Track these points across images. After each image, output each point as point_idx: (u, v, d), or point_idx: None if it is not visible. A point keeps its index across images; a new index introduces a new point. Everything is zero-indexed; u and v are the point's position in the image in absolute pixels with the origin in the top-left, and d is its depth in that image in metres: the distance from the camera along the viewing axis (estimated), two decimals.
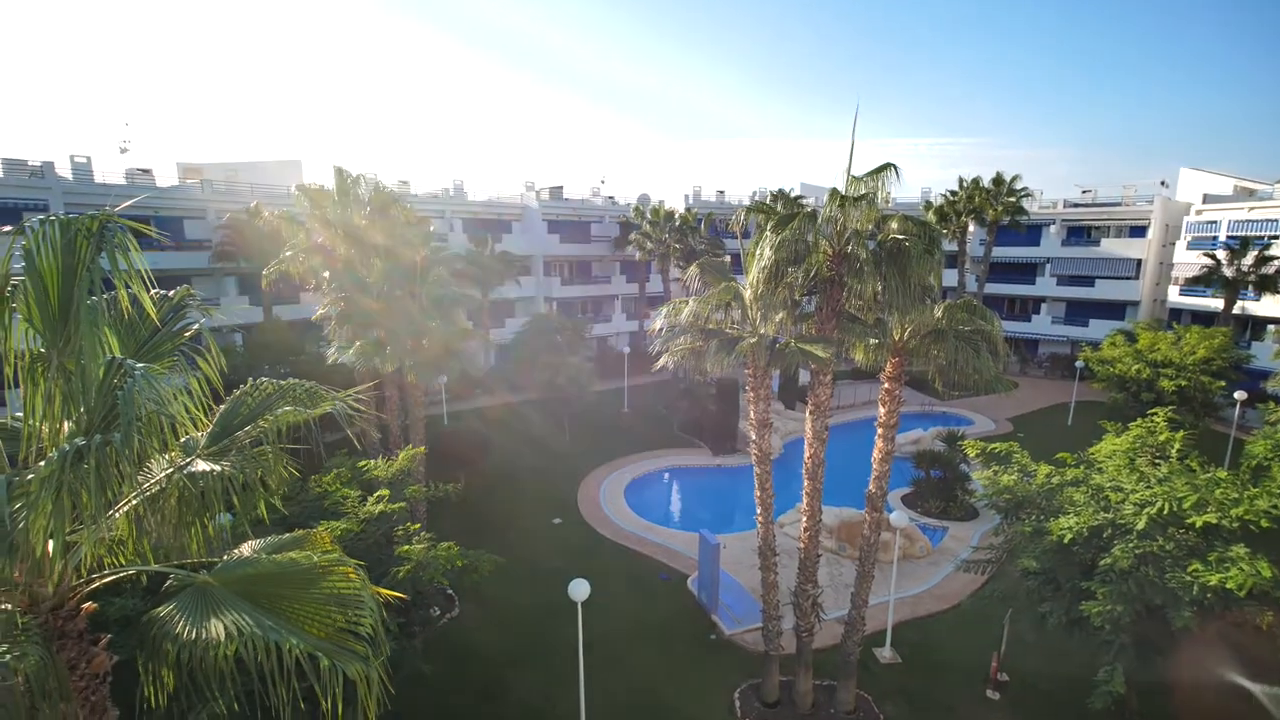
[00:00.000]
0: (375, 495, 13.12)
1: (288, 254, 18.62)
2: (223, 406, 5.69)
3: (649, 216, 39.16)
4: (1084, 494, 11.72)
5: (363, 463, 14.51)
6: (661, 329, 11.96)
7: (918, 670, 14.72)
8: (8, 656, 3.44)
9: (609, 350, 42.37)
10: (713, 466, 27.68)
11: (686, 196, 49.10)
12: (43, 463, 3.50)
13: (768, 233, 10.85)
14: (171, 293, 5.73)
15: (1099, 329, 39.84)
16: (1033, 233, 44.80)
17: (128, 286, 4.57)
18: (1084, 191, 47.60)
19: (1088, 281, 43.63)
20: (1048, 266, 45.37)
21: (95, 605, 5.00)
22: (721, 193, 51.12)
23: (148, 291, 4.86)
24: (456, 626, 16.06)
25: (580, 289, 44.77)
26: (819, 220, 10.98)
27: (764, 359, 11.21)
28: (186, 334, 5.59)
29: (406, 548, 12.07)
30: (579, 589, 11.14)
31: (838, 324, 11.59)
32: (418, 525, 13.78)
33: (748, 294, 11.35)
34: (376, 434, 18.85)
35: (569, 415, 29.94)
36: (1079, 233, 46.04)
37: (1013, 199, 39.13)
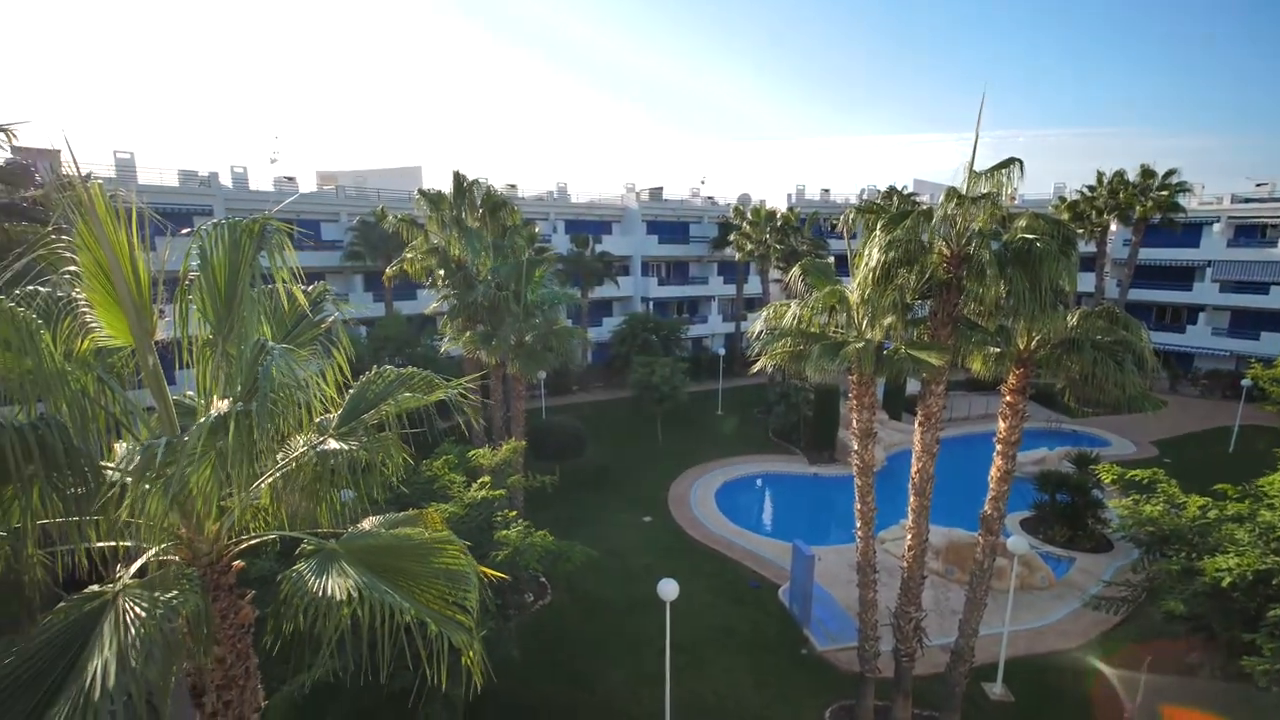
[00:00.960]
0: (479, 482, 13.84)
1: (408, 254, 20.08)
2: (351, 391, 6.20)
3: (749, 216, 38.52)
4: (1249, 532, 10.19)
5: (470, 451, 15.36)
6: (761, 331, 11.70)
7: (1033, 712, 13.42)
8: (175, 600, 3.93)
9: (704, 351, 42.14)
10: (808, 475, 26.77)
11: (789, 196, 47.87)
12: (194, 428, 3.95)
13: (877, 232, 10.31)
14: (311, 288, 6.32)
15: (1273, 343, 34.53)
16: (1190, 232, 39.44)
17: (277, 280, 5.10)
18: (1258, 185, 41.30)
19: (1260, 289, 37.81)
20: (1208, 270, 39.82)
21: (243, 564, 5.61)
22: (826, 191, 49.37)
23: (296, 285, 5.40)
24: (548, 614, 16.59)
25: (677, 289, 44.87)
26: (935, 219, 10.28)
27: (870, 365, 10.66)
28: (324, 325, 6.14)
29: (505, 533, 12.62)
30: (668, 588, 11.14)
31: (954, 330, 10.80)
32: (515, 513, 14.40)
33: (854, 296, 10.84)
34: (482, 423, 19.90)
35: (662, 415, 30.09)
36: (1251, 231, 40.05)
37: (1165, 193, 34.78)
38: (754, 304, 42.30)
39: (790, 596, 17.13)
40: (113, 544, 4.85)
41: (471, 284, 18.81)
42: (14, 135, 11.25)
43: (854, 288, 10.84)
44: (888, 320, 10.89)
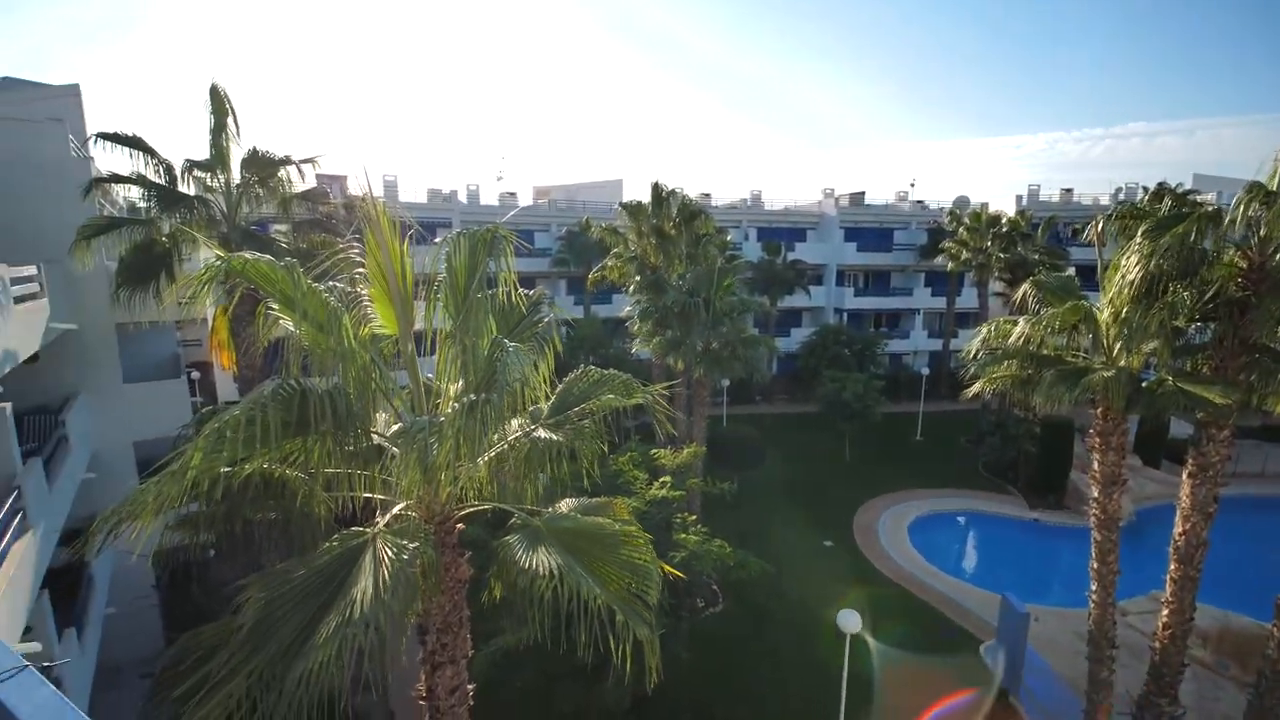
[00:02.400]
0: (660, 481, 14.32)
1: (608, 260, 21.53)
2: (560, 385, 6.82)
3: (966, 222, 34.57)
4: None
5: (653, 450, 15.98)
6: (978, 351, 10.43)
7: None
8: (415, 549, 4.67)
9: (904, 369, 38.76)
10: (1026, 520, 23.19)
11: (1019, 198, 42.00)
12: (449, 409, 4.65)
13: (1138, 239, 8.59)
14: (532, 292, 7.08)
15: None
16: None
17: (500, 283, 5.81)
18: None
19: None
20: None
21: (464, 526, 6.48)
22: (1068, 192, 42.48)
23: (517, 288, 6.11)
24: (718, 621, 16.55)
25: (875, 300, 41.91)
26: (1226, 222, 8.28)
27: (1122, 399, 8.91)
28: (540, 324, 6.83)
29: (683, 535, 12.87)
30: (849, 620, 10.44)
31: (1248, 362, 8.59)
32: (694, 516, 14.61)
33: (1104, 315, 9.16)
34: (670, 430, 20.56)
35: (852, 434, 28.30)
36: None
37: None
38: (968, 320, 37.87)
39: (993, 655, 14.98)
40: (370, 495, 5.93)
41: (663, 290, 19.55)
42: (317, 164, 14.30)
43: (1104, 305, 9.15)
44: (1149, 345, 9.02)
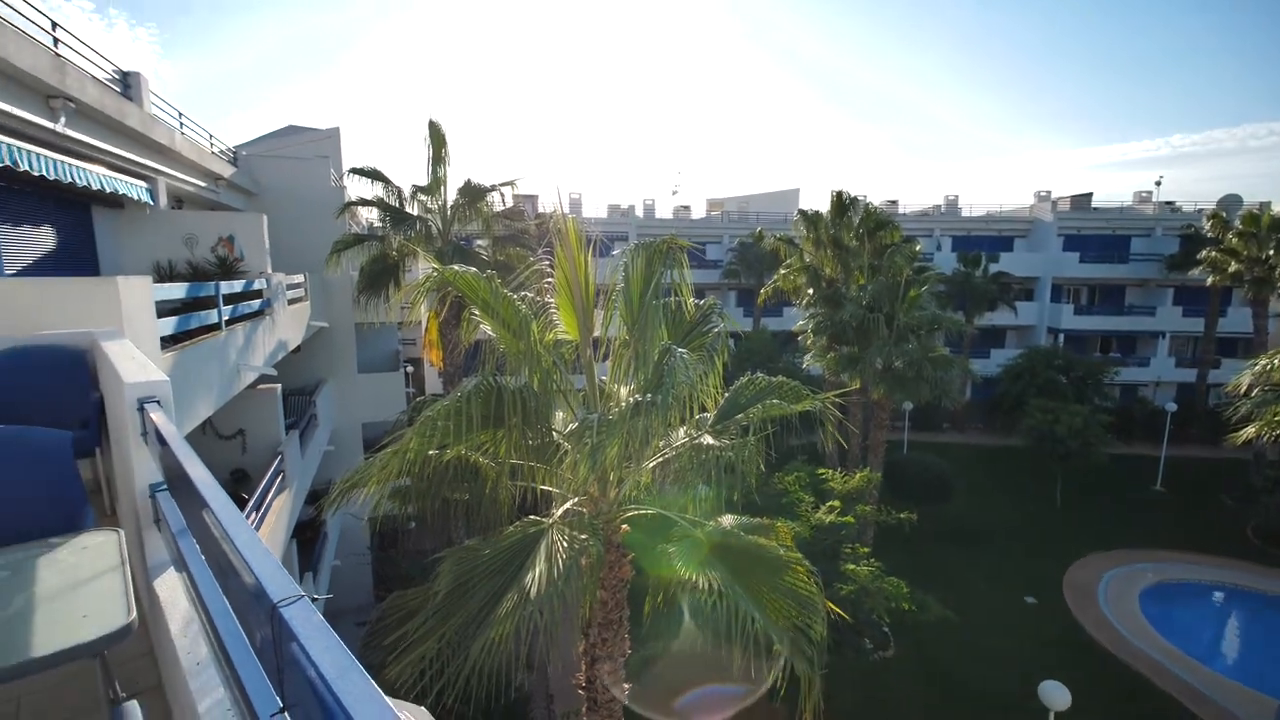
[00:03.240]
0: (827, 505, 13.52)
1: (782, 271, 20.96)
2: (726, 393, 6.73)
3: (1238, 225, 27.93)
4: None
5: (821, 470, 15.16)
6: (1252, 386, 8.32)
7: None
8: (586, 542, 4.88)
9: (1139, 403, 32.39)
10: None
11: None
12: (617, 409, 4.80)
13: None
14: (703, 301, 7.09)
15: None
16: None
17: (675, 293, 5.87)
18: None
19: None
20: None
21: (628, 528, 6.64)
22: None
23: (690, 298, 6.15)
24: (887, 669, 15.12)
25: (1102, 320, 35.58)
26: None
27: None
28: (709, 335, 6.81)
29: (852, 567, 12.00)
30: (1055, 695, 8.90)
31: None
32: (865, 549, 13.55)
33: None
34: (836, 446, 19.40)
35: (1064, 475, 24.29)
36: None
37: None
38: (1235, 346, 30.67)
39: None
40: (547, 488, 6.34)
41: (840, 303, 18.51)
42: (515, 186, 15.81)
43: None
44: None
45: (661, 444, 6.54)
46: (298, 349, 13.51)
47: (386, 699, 0.91)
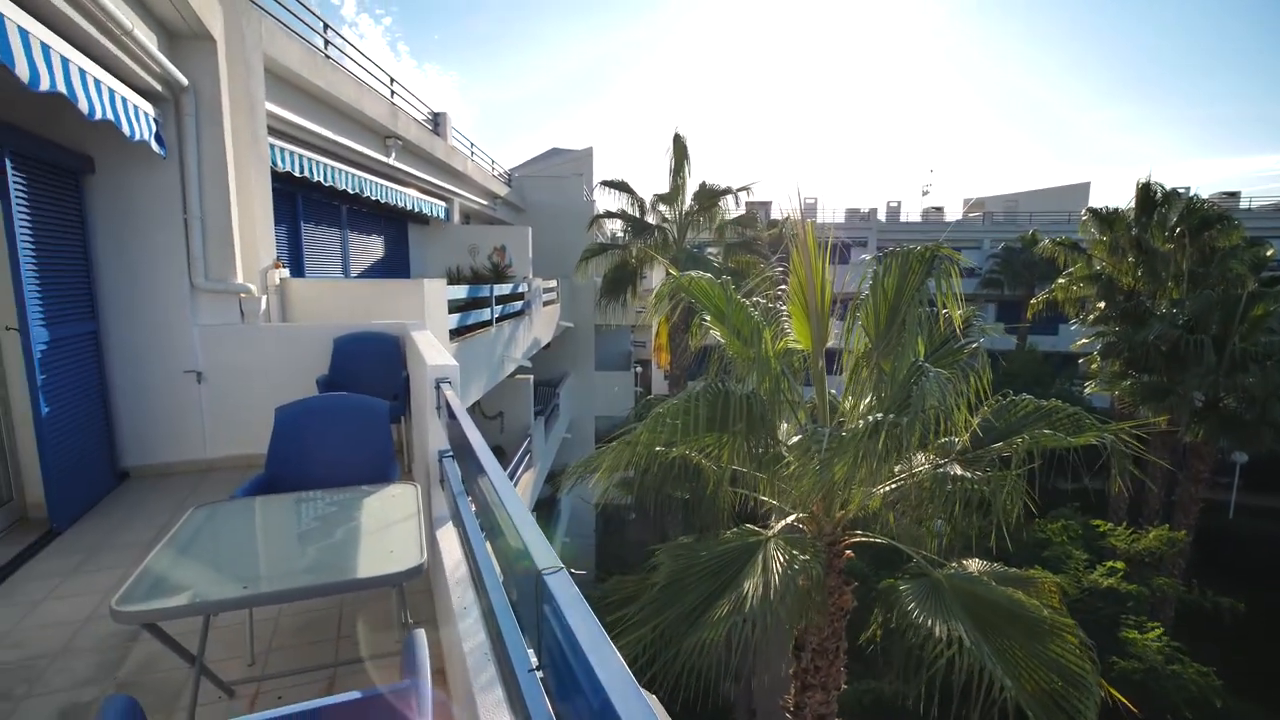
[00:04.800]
0: (1106, 565, 11.02)
1: (1060, 280, 17.65)
2: (977, 418, 5.83)
3: None
4: None
5: (1097, 522, 12.42)
6: None
7: None
8: (806, 561, 4.61)
9: None
10: None
11: None
12: (851, 427, 4.45)
13: None
14: (961, 312, 6.23)
15: None
16: None
17: (939, 304, 5.25)
18: None
19: None
20: None
21: (852, 554, 6.14)
22: None
23: (956, 311, 5.42)
24: None
25: None
26: None
27: None
28: (965, 352, 5.96)
29: (1135, 634, 9.59)
30: None
31: None
32: (1159, 629, 10.71)
33: None
34: (1121, 491, 15.71)
35: None
36: None
37: None
38: None
39: None
40: (766, 499, 6.15)
41: (1144, 320, 14.93)
42: (750, 191, 15.79)
43: None
44: None
45: (898, 468, 5.93)
46: (547, 345, 15.29)
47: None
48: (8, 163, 3.80)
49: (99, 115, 3.73)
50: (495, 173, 15.63)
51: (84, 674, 2.62)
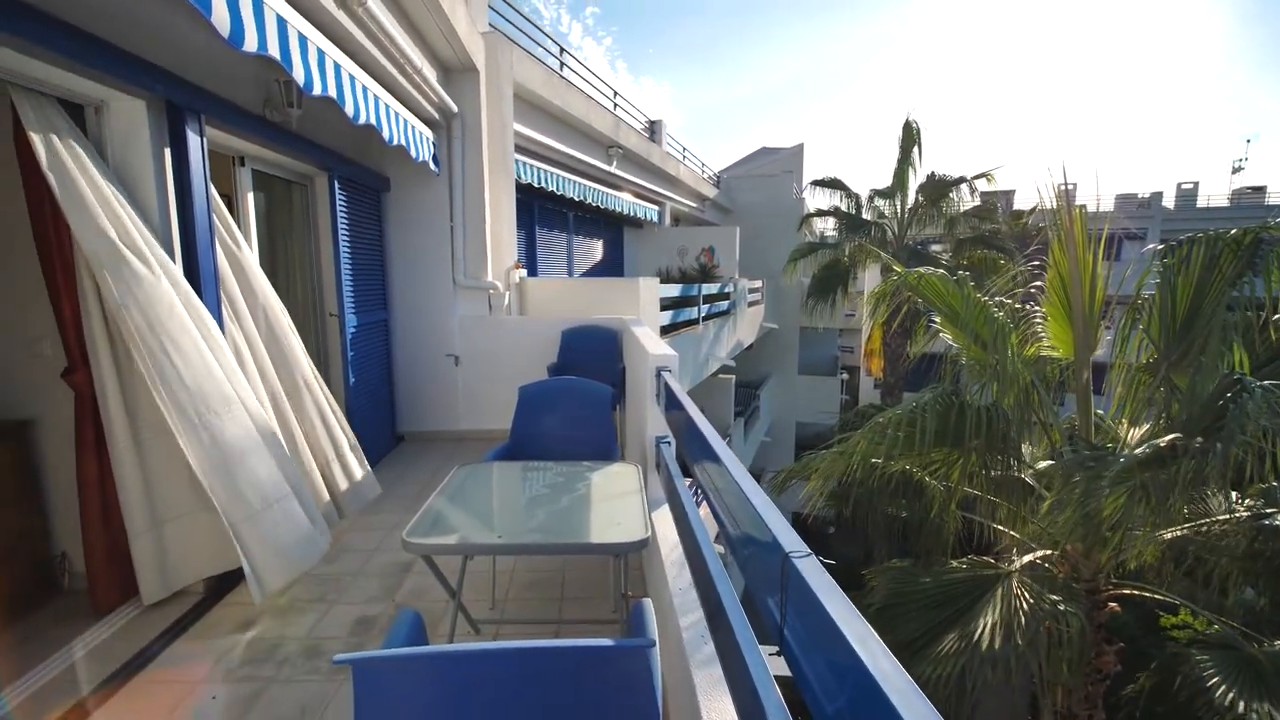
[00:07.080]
0: None
1: None
2: None
3: None
4: None
5: None
6: None
7: None
8: (1060, 606, 3.88)
9: None
10: None
11: None
12: (1129, 454, 3.63)
13: None
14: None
15: None
16: None
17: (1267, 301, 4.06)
18: None
19: None
20: None
21: (1119, 608, 5.04)
22: None
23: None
24: None
25: None
26: None
27: None
28: None
29: None
30: None
31: None
32: None
33: None
34: None
35: None
36: None
37: None
38: None
39: None
40: (1003, 529, 5.32)
41: None
42: (992, 178, 13.85)
43: None
44: None
45: (1186, 509, 4.74)
46: (750, 346, 15.16)
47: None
48: (336, 184, 4.82)
49: (395, 141, 4.54)
50: (705, 175, 15.93)
51: (373, 592, 3.20)
